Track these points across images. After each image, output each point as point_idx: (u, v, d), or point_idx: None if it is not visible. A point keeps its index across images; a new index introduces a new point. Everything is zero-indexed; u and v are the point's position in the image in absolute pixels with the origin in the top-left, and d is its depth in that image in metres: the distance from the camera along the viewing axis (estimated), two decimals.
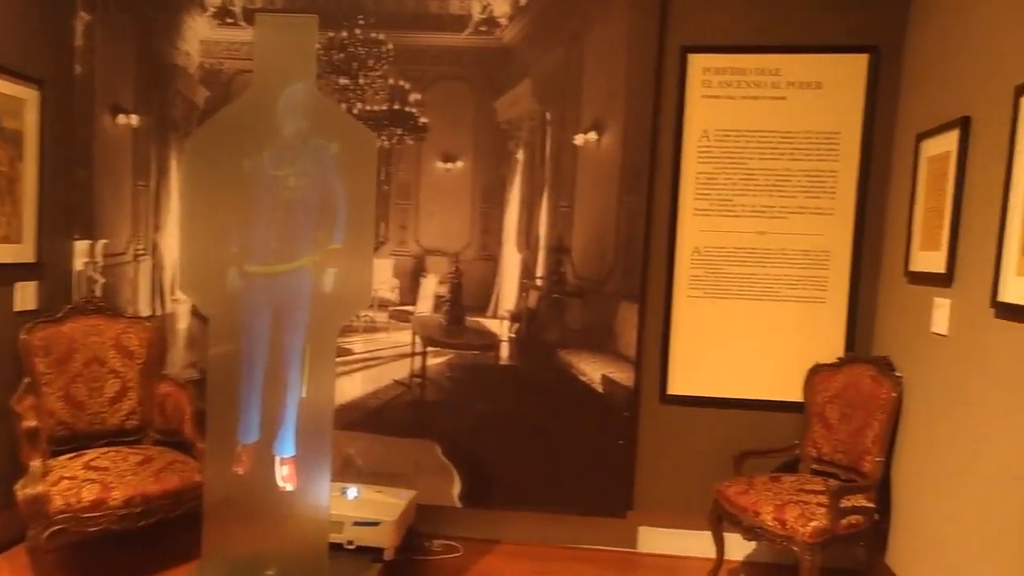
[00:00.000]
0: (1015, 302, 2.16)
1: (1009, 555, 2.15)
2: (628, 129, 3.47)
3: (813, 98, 3.41)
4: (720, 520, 3.15)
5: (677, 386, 3.55)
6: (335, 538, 2.97)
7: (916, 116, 3.08)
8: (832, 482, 3.03)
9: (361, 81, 3.59)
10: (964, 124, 2.59)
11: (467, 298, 3.63)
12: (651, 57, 3.45)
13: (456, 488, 3.60)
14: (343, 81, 3.60)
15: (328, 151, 2.66)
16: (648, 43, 3.44)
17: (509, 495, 3.61)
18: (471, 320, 3.62)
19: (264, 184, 2.65)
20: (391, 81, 3.58)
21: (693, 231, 3.51)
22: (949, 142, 2.69)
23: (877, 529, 2.95)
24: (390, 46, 3.56)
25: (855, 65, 3.36)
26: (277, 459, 2.70)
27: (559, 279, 3.55)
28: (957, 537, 2.48)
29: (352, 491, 3.31)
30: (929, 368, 2.76)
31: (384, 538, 3.06)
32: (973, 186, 2.52)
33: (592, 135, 3.49)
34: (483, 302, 3.63)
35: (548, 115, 3.53)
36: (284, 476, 2.69)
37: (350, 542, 3.05)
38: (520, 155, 3.56)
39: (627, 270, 3.51)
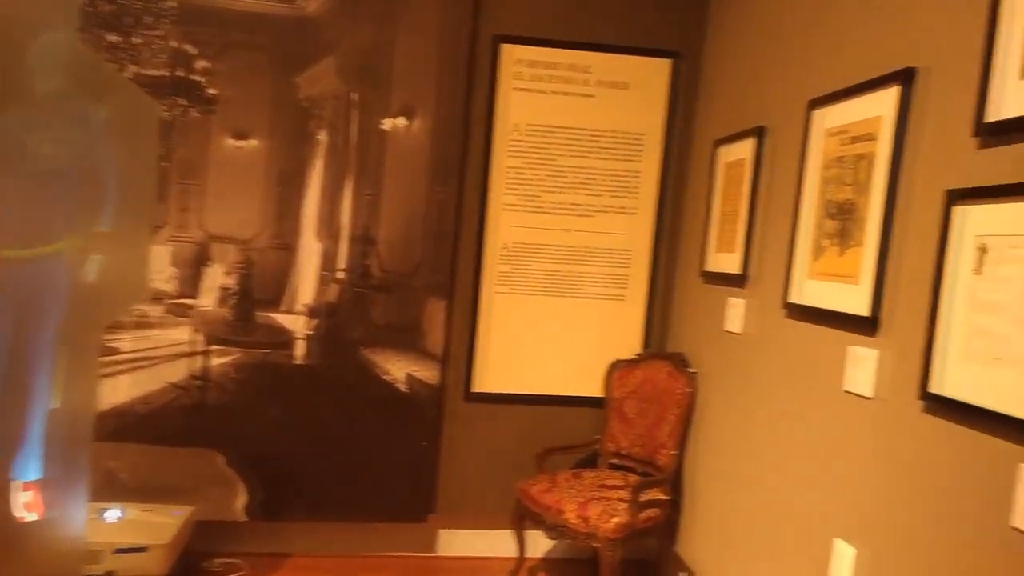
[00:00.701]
0: (804, 303, 2.29)
1: (785, 540, 2.29)
2: (439, 117, 3.32)
3: (620, 98, 3.47)
4: (522, 519, 3.11)
5: (482, 383, 3.47)
6: (92, 571, 2.54)
7: (714, 122, 3.22)
8: (631, 476, 3.10)
9: (135, 40, 3.11)
10: (759, 133, 2.73)
11: (258, 291, 3.28)
12: (463, 44, 3.32)
13: (242, 500, 3.25)
14: (112, 38, 3.09)
15: (95, 116, 2.24)
16: (461, 29, 3.30)
17: (302, 505, 3.33)
18: (262, 315, 3.28)
19: (8, 150, 2.17)
20: (174, 44, 3.13)
21: (502, 226, 3.44)
22: (745, 149, 2.83)
23: (669, 520, 3.06)
24: (173, 3, 3.11)
25: (659, 69, 3.46)
26: (17, 484, 2.23)
27: (363, 272, 3.32)
28: (740, 524, 2.62)
29: (113, 513, 2.86)
30: (722, 364, 2.90)
31: (153, 565, 2.68)
32: (767, 193, 2.66)
33: (402, 120, 3.30)
34: (276, 295, 3.30)
35: (354, 96, 3.28)
36: (26, 503, 2.24)
37: (110, 573, 2.63)
38: (323, 137, 3.28)
39: (436, 264, 3.36)
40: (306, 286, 3.31)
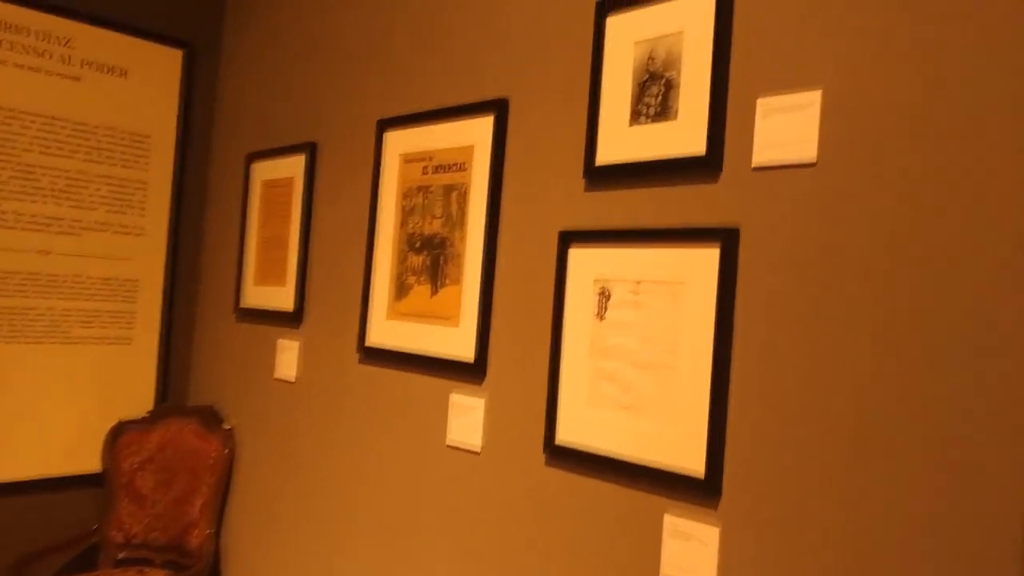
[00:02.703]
0: (386, 347, 2.04)
1: None
2: None
3: (118, 87, 2.73)
4: None
5: None
6: None
7: (245, 133, 2.76)
8: (155, 573, 2.42)
9: None
10: (311, 150, 2.39)
11: None
12: None
13: None
14: None
15: None
16: None
17: None
18: None
19: None
20: None
21: None
22: (291, 168, 2.46)
23: None
24: None
25: (168, 59, 2.84)
26: None
27: None
28: None
29: None
30: (272, 418, 2.46)
31: None
32: (326, 220, 2.33)
33: None
34: None
35: None
36: None
37: None
38: None
39: None
40: None
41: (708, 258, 1.32)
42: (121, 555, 2.55)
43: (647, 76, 1.45)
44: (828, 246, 1.20)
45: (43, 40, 2.59)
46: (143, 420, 2.69)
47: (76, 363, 2.65)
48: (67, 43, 2.64)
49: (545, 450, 1.59)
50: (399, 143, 2.06)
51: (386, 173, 2.09)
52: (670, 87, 1.40)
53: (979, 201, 1.06)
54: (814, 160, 1.21)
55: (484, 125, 1.82)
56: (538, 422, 1.63)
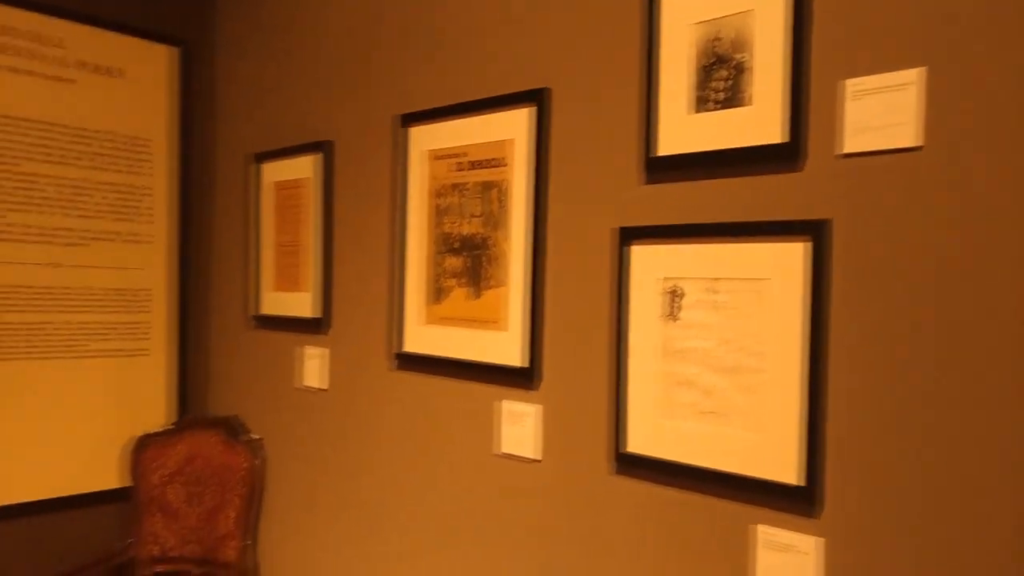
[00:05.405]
0: (422, 352, 1.95)
1: None
2: None
3: (113, 89, 2.60)
4: None
5: None
6: None
7: (249, 133, 2.63)
8: None
9: None
10: (327, 149, 2.28)
11: None
12: None
13: None
14: None
15: None
16: None
17: None
18: None
19: None
20: None
21: None
22: (304, 168, 2.35)
23: None
24: None
25: (163, 57, 2.71)
26: None
27: None
28: None
29: None
30: (300, 429, 2.37)
31: None
32: (347, 222, 2.23)
33: None
34: None
35: None
36: None
37: None
38: None
39: None
40: None
41: (795, 253, 1.24)
42: (157, 569, 2.47)
43: (713, 59, 1.35)
44: (935, 240, 1.12)
45: (35, 41, 2.45)
46: (167, 432, 2.60)
47: (92, 377, 2.55)
48: (59, 44, 2.51)
49: (612, 458, 1.52)
50: (426, 138, 1.96)
51: (413, 171, 1.99)
52: (741, 71, 1.31)
53: None
54: (918, 145, 1.12)
55: (523, 117, 1.72)
56: (598, 428, 1.56)
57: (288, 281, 2.44)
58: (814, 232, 1.22)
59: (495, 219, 1.78)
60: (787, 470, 1.25)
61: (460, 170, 1.87)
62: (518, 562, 1.72)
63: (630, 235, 1.49)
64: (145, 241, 2.67)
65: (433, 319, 1.93)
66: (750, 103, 1.30)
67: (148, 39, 2.69)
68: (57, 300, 2.48)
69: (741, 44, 1.32)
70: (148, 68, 2.69)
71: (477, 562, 1.81)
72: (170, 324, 2.72)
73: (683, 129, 1.40)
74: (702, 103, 1.37)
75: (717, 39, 1.35)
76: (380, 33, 2.12)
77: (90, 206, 2.55)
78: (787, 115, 1.25)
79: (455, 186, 1.89)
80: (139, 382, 2.66)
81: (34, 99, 2.44)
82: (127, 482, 2.56)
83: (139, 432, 2.60)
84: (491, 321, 1.78)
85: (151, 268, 2.69)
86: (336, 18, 2.27)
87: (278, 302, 2.47)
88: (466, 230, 1.85)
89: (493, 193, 1.79)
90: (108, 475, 2.58)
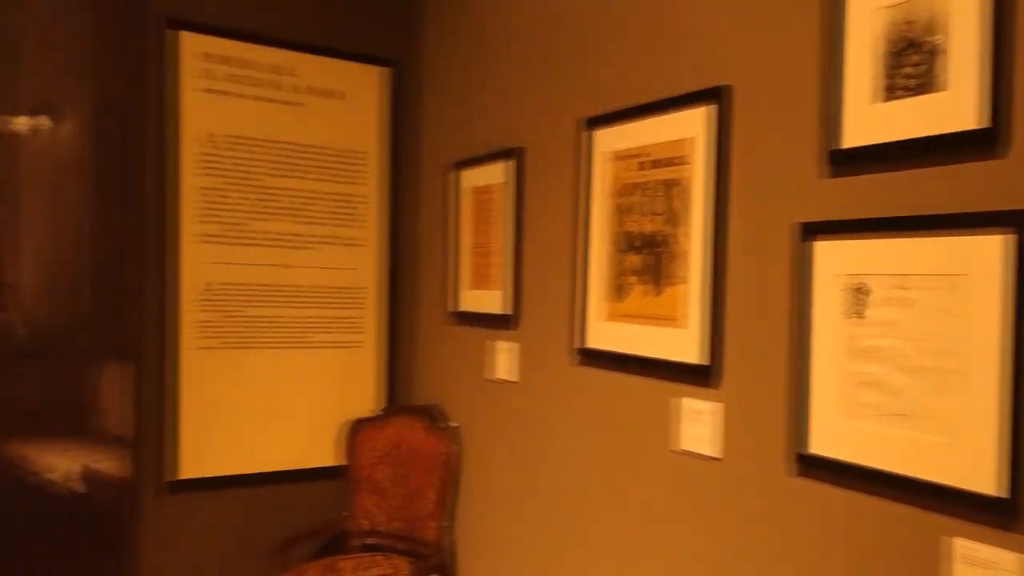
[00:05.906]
0: (604, 348, 2.01)
1: None
2: (100, 119, 2.47)
3: (335, 109, 2.93)
4: None
5: (189, 468, 2.67)
6: None
7: (449, 142, 2.84)
8: (397, 559, 2.58)
9: None
10: (518, 155, 2.41)
11: None
12: (124, 24, 2.51)
13: None
14: None
15: None
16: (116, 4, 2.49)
17: None
18: None
19: None
20: None
21: (200, 262, 2.68)
22: (497, 173, 2.50)
23: None
24: None
25: (377, 78, 3.00)
26: None
27: None
28: None
29: None
30: (492, 418, 2.53)
31: None
32: (534, 223, 2.35)
33: (44, 120, 2.37)
34: None
35: None
36: None
37: None
38: None
39: (112, 316, 2.48)
40: None
41: (996, 246, 1.15)
42: (366, 541, 2.75)
43: (904, 44, 1.29)
44: None
45: (273, 73, 2.83)
46: (377, 418, 2.88)
47: (316, 365, 2.89)
48: (292, 72, 2.86)
49: (792, 459, 1.49)
50: (609, 140, 2.02)
51: (596, 172, 2.06)
52: (935, 54, 1.24)
53: None
54: None
55: (703, 116, 1.72)
56: (778, 428, 1.52)
57: (482, 279, 2.60)
58: (1019, 223, 1.12)
59: (676, 217, 1.80)
60: (984, 479, 1.16)
61: (642, 169, 1.91)
62: (692, 559, 1.72)
63: (813, 230, 1.45)
64: (360, 244, 2.97)
65: (614, 316, 1.99)
66: (945, 88, 1.22)
67: (365, 63, 3.00)
68: (288, 297, 2.84)
69: (935, 26, 1.24)
70: (365, 89, 2.99)
71: (651, 554, 1.84)
72: (380, 319, 3.01)
73: (869, 119, 1.34)
74: (890, 91, 1.30)
75: (908, 22, 1.28)
76: (561, 39, 2.21)
77: (315, 214, 2.89)
78: (987, 99, 1.16)
79: (637, 185, 1.93)
80: (354, 371, 2.96)
81: (273, 123, 2.82)
82: (342, 461, 2.86)
83: (353, 417, 2.90)
84: (671, 318, 1.80)
85: (365, 268, 2.99)
86: (520, 27, 2.40)
87: (473, 299, 2.65)
88: (647, 228, 1.89)
89: (674, 191, 1.81)
90: (327, 453, 2.90)
